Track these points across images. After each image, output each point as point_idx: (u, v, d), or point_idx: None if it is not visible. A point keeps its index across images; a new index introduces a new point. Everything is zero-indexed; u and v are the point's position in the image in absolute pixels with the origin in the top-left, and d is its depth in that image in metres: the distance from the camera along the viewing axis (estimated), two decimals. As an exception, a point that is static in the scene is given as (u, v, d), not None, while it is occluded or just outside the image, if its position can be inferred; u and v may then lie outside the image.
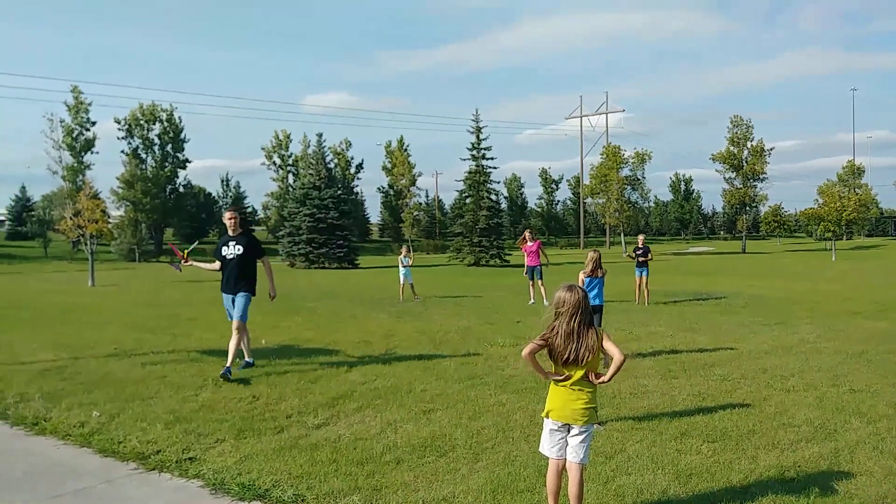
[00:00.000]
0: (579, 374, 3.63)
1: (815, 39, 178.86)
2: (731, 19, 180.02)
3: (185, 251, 8.13)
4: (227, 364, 7.38)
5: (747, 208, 65.29)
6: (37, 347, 9.63)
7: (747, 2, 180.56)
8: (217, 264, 7.81)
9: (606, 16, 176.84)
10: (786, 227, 69.89)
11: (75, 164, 58.70)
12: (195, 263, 8.07)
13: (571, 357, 3.59)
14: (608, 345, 3.65)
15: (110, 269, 41.56)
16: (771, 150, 61.02)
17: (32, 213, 70.36)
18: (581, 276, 7.98)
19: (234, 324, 7.61)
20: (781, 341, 9.76)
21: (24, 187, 79.40)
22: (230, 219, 7.89)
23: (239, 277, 7.71)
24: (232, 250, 7.73)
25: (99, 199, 26.29)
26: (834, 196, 51.39)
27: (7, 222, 79.57)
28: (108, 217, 24.90)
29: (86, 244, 26.42)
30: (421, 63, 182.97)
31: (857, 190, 68.03)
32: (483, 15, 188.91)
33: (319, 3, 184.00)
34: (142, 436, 5.33)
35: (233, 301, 7.74)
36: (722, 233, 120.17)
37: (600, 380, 3.68)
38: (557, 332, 3.62)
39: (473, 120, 43.28)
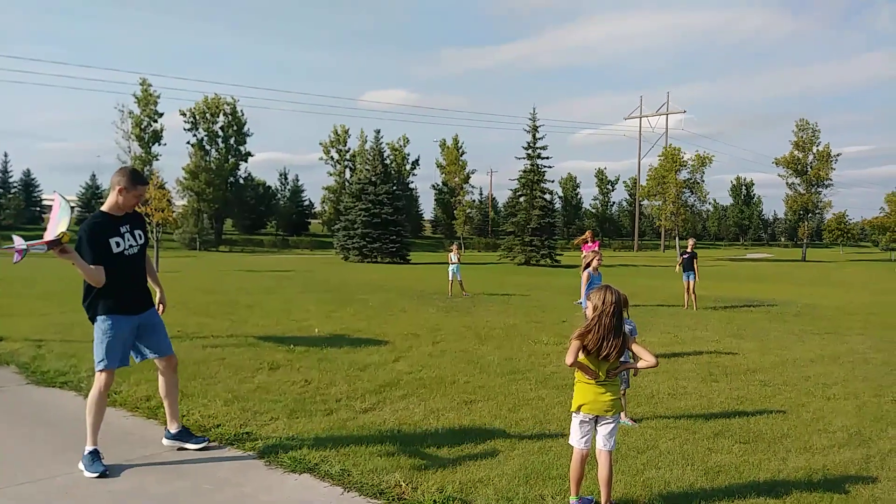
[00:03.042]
0: (605, 369, 3.87)
1: (892, 41, 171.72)
2: (806, 20, 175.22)
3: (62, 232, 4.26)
4: (174, 428, 5.04)
5: (810, 215, 63.42)
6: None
7: (823, 2, 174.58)
8: (98, 269, 4.42)
9: (675, 14, 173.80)
10: (850, 235, 67.62)
11: (143, 154, 60.98)
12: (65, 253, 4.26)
13: (604, 353, 3.82)
14: (641, 349, 3.89)
15: (173, 256, 43.17)
16: (838, 155, 59.26)
17: (101, 200, 73.38)
18: (587, 272, 8.16)
19: (171, 361, 4.97)
20: (829, 350, 9.68)
21: (94, 175, 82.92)
22: (135, 196, 4.67)
23: (145, 282, 4.90)
24: (130, 241, 4.68)
25: (165, 189, 27.35)
26: (903, 205, 49.49)
27: (77, 209, 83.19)
28: (174, 206, 25.89)
29: (152, 232, 27.66)
30: (483, 61, 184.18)
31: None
32: (548, 13, 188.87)
33: (386, 2, 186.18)
34: (203, 411, 5.75)
35: (146, 325, 4.83)
36: (783, 239, 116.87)
37: (626, 367, 3.94)
38: (596, 329, 3.84)
39: (530, 119, 43.30)
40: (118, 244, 4.58)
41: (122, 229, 4.64)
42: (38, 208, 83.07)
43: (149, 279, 5.01)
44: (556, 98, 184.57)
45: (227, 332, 10.02)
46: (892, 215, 48.64)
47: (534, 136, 43.27)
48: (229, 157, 71.65)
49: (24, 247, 4.39)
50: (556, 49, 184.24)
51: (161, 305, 5.17)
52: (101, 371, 4.62)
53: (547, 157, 43.66)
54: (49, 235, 4.30)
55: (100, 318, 4.61)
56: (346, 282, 22.27)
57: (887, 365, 8.64)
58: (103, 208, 4.69)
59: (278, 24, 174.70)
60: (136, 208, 4.90)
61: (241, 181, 77.09)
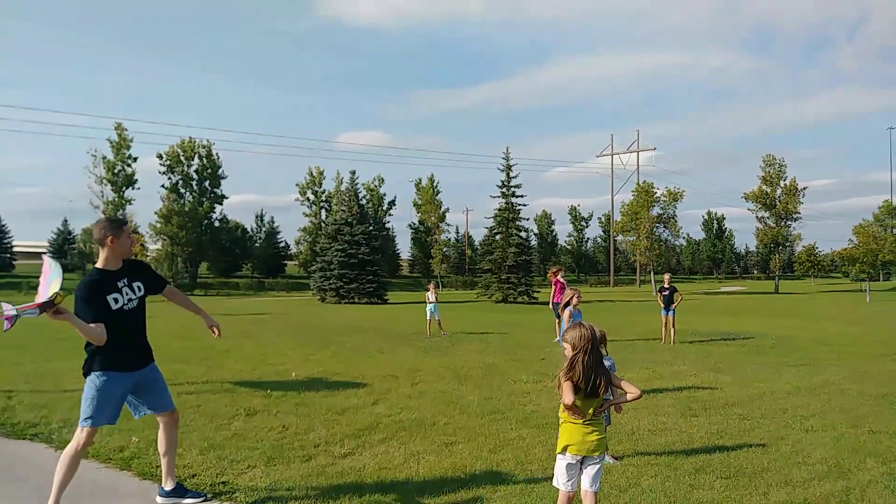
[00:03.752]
0: (593, 407, 3.86)
1: (852, 78, 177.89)
2: (768, 58, 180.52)
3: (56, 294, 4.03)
4: (169, 486, 4.86)
5: (781, 248, 64.56)
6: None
7: (784, 41, 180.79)
8: (100, 327, 4.30)
9: (641, 56, 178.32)
10: (820, 267, 68.87)
11: (116, 199, 60.47)
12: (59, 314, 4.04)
13: (591, 388, 3.81)
14: (626, 384, 3.89)
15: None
16: (804, 189, 60.70)
17: (73, 245, 72.46)
18: (568, 310, 8.20)
19: (172, 416, 4.93)
20: (805, 382, 9.77)
21: (66, 220, 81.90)
22: (126, 236, 4.56)
23: (144, 336, 4.81)
24: (129, 295, 4.57)
25: (138, 233, 27.04)
26: (869, 236, 50.59)
27: (48, 254, 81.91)
28: (147, 251, 25.57)
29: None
30: (455, 102, 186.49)
31: (894, 230, 66.83)
32: (518, 54, 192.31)
33: (358, 45, 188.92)
34: (178, 460, 5.61)
35: (144, 381, 4.73)
36: (755, 272, 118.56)
37: (614, 402, 3.93)
38: (579, 367, 3.84)
39: (504, 157, 43.80)
40: (116, 300, 4.44)
41: (120, 284, 4.50)
42: (8, 255, 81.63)
43: (188, 310, 5.05)
44: (528, 137, 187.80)
45: (202, 378, 9.85)
46: (861, 246, 49.59)
47: (508, 174, 43.76)
48: (204, 200, 71.34)
49: (14, 312, 4.05)
50: (527, 90, 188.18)
51: (215, 329, 5.11)
52: (84, 427, 4.44)
53: (521, 196, 44.17)
54: (41, 297, 4.12)
55: (94, 374, 4.47)
56: (323, 324, 22.09)
57: (863, 395, 8.73)
58: (98, 265, 4.53)
59: (252, 68, 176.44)
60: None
61: (217, 224, 76.67)
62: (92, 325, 4.27)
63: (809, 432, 6.72)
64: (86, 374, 4.55)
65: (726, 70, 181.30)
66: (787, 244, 64.73)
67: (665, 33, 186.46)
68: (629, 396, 3.88)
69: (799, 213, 61.03)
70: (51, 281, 4.20)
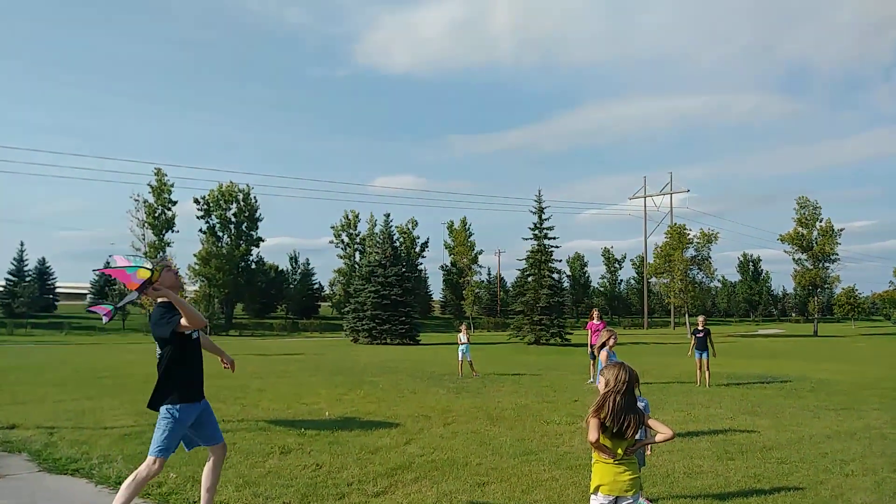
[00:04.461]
0: (623, 447, 3.87)
1: (890, 118, 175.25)
2: (802, 99, 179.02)
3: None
4: None
5: (819, 290, 63.24)
6: (119, 413, 10.28)
7: (819, 82, 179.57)
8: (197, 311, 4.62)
9: (673, 99, 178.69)
10: (861, 309, 67.16)
11: (157, 242, 61.89)
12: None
13: (618, 428, 3.83)
14: (657, 423, 3.90)
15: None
16: (841, 230, 59.65)
17: (114, 287, 74.03)
18: (605, 352, 8.16)
19: (223, 449, 5.11)
20: (846, 426, 9.55)
21: (108, 263, 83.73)
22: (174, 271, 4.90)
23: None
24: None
25: (178, 275, 27.64)
26: (912, 278, 49.35)
27: (90, 295, 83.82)
28: (185, 293, 26.11)
29: (162, 317, 27.84)
30: (488, 146, 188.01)
31: (938, 271, 65.09)
32: (549, 99, 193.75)
33: (393, 92, 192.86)
34: (214, 497, 5.72)
35: (205, 413, 4.96)
36: (793, 315, 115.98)
37: (645, 443, 3.92)
38: (609, 405, 3.87)
39: (536, 200, 43.93)
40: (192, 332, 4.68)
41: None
42: (51, 296, 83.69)
43: (210, 351, 5.27)
44: (560, 179, 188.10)
45: (237, 417, 9.99)
46: (903, 289, 48.44)
47: (540, 216, 43.82)
48: (241, 242, 72.71)
49: (111, 307, 4.50)
50: (559, 133, 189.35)
51: (231, 365, 5.50)
52: (158, 458, 4.62)
53: (554, 238, 44.07)
54: (134, 280, 4.33)
55: (170, 406, 4.64)
56: (355, 364, 22.19)
57: (905, 440, 8.51)
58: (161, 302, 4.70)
59: (290, 115, 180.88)
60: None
61: (253, 266, 77.87)
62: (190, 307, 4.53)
63: (850, 477, 6.58)
64: (156, 406, 4.70)
65: (760, 111, 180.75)
66: (826, 286, 63.40)
67: (697, 76, 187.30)
68: (660, 437, 3.87)
69: (837, 255, 59.93)
70: (137, 265, 4.40)
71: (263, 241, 75.61)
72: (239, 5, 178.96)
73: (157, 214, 62.64)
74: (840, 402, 12.27)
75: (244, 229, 73.07)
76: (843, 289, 64.85)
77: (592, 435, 3.77)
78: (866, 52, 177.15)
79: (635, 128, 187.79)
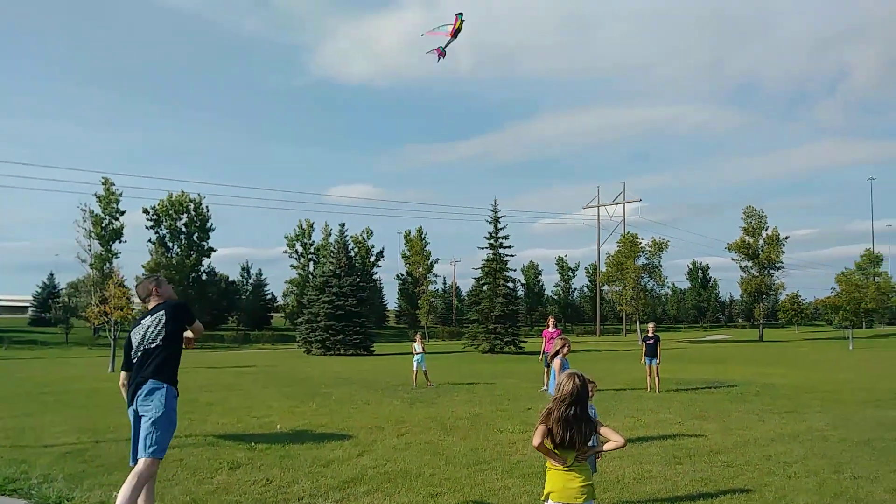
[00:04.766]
0: (572, 455, 3.90)
1: (833, 131, 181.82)
2: (751, 114, 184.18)
3: None
4: None
5: (764, 296, 65.07)
6: (59, 431, 9.94)
7: (767, 96, 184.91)
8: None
9: (627, 110, 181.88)
10: (804, 315, 69.31)
11: (103, 253, 60.22)
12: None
13: (566, 441, 3.87)
14: (609, 431, 3.92)
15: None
16: (786, 238, 61.51)
17: (58, 299, 71.72)
18: (559, 360, 8.20)
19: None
20: (789, 429, 9.83)
21: (51, 274, 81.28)
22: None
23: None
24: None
25: (125, 287, 26.94)
26: (852, 285, 51.17)
27: (31, 308, 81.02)
28: (132, 304, 25.51)
29: (109, 331, 27.04)
30: (445, 156, 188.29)
31: (875, 278, 67.64)
32: (507, 109, 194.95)
33: (350, 102, 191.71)
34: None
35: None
36: (740, 320, 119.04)
37: (595, 451, 3.94)
38: (555, 414, 3.90)
39: (492, 210, 44.23)
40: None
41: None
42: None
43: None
44: (516, 189, 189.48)
45: (185, 432, 9.75)
46: (843, 295, 50.08)
47: (495, 226, 44.13)
48: (192, 252, 71.24)
49: (442, 46, 5.32)
50: (516, 143, 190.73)
51: None
52: (158, 459, 4.83)
53: (509, 247, 44.42)
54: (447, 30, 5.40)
55: (173, 409, 4.95)
56: (308, 376, 21.92)
57: (845, 442, 8.79)
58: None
59: (244, 123, 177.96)
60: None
61: (204, 276, 76.34)
62: None
63: (792, 479, 6.76)
64: (154, 394, 4.91)
65: (711, 123, 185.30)
66: (771, 293, 65.26)
67: (650, 89, 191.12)
68: (610, 445, 3.90)
69: (781, 263, 61.78)
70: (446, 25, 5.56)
71: (215, 251, 74.30)
72: (194, 13, 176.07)
73: (104, 225, 60.92)
74: (784, 406, 12.62)
75: (195, 239, 71.59)
76: (787, 295, 66.77)
77: (535, 440, 3.83)
78: (811, 68, 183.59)
79: (590, 138, 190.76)
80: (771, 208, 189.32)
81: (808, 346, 47.14)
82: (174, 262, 68.82)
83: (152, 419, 4.85)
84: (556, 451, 3.87)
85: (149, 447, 4.75)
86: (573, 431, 3.82)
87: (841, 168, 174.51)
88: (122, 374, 5.24)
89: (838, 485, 6.47)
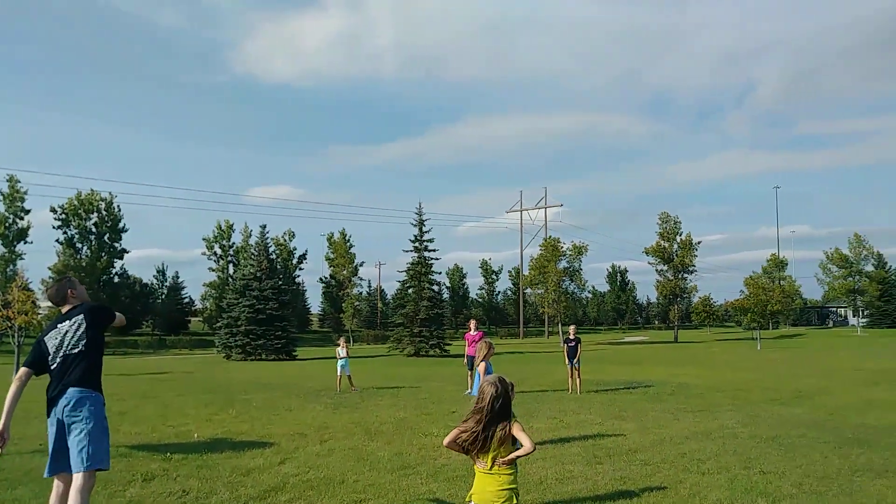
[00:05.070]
0: (489, 459, 3.91)
1: (740, 142, 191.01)
2: (665, 123, 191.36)
3: None
4: None
5: (679, 299, 67.63)
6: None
7: (679, 108, 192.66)
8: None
9: (549, 117, 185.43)
10: (715, 316, 72.48)
11: (7, 254, 56.93)
12: None
13: (480, 446, 3.89)
14: (520, 434, 3.94)
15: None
16: (698, 243, 64.16)
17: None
18: (483, 363, 8.29)
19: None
20: (702, 427, 10.23)
21: (-54, 277, 76.05)
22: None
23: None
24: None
25: (30, 290, 25.54)
26: (759, 288, 53.82)
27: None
28: (39, 308, 24.21)
29: (13, 336, 25.56)
30: (369, 158, 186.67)
31: (781, 282, 71.44)
32: (431, 113, 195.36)
33: (272, 101, 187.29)
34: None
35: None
36: (656, 322, 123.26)
37: (502, 460, 3.94)
38: (472, 422, 3.92)
39: (417, 213, 44.29)
40: None
41: None
42: None
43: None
44: (441, 192, 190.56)
45: (95, 443, 9.29)
46: (751, 297, 52.67)
47: (420, 229, 44.22)
48: (102, 254, 68.17)
49: None
50: (440, 147, 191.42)
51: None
52: (106, 470, 4.78)
53: (434, 250, 44.60)
54: None
55: (102, 405, 4.80)
56: (228, 382, 21.33)
57: (754, 438, 9.21)
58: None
59: (161, 121, 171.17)
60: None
61: (116, 279, 73.19)
62: None
63: (706, 475, 7.02)
64: (90, 400, 4.72)
65: (627, 132, 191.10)
66: (685, 295, 67.95)
67: (571, 97, 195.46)
68: (520, 452, 3.89)
69: (694, 266, 64.39)
70: None
71: (128, 252, 71.41)
72: (108, 4, 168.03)
73: (7, 224, 57.57)
74: (697, 405, 13.13)
75: (106, 240, 68.55)
76: (699, 298, 69.63)
77: (446, 440, 3.93)
78: (720, 81, 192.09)
79: (513, 143, 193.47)
80: (685, 214, 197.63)
81: (719, 347, 49.27)
82: (84, 264, 65.69)
83: (85, 431, 4.60)
84: (475, 455, 3.90)
85: (87, 460, 4.51)
86: (487, 436, 3.84)
87: (748, 177, 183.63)
88: (23, 369, 4.86)
89: (748, 480, 6.76)
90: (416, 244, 44.25)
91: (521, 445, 3.90)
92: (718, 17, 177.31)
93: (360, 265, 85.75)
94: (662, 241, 64.24)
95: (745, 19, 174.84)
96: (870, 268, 79.48)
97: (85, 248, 67.31)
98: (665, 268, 64.59)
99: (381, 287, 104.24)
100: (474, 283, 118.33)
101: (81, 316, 4.90)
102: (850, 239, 78.09)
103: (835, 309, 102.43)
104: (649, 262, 65.38)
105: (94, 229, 67.79)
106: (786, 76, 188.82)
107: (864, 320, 78.84)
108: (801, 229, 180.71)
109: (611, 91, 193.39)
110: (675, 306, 68.14)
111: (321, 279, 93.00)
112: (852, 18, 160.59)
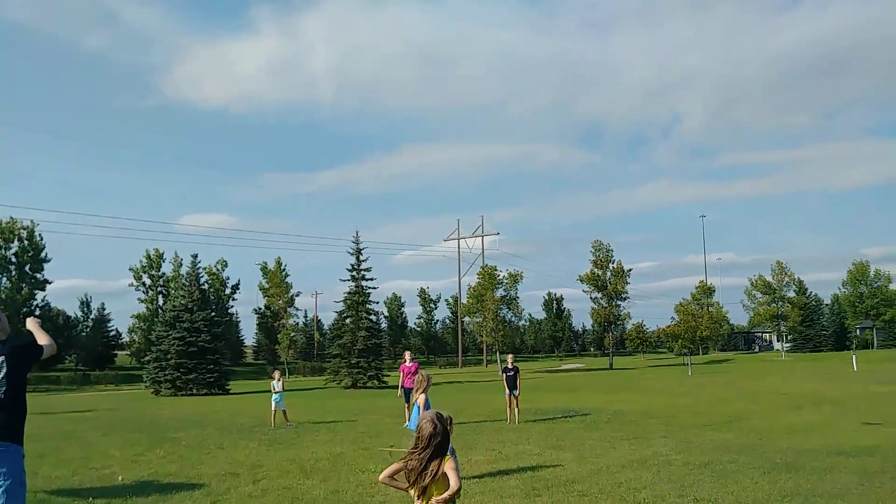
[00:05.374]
0: (425, 497, 3.86)
1: (667, 172, 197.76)
2: (597, 153, 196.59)
3: None
4: None
5: (613, 326, 68.99)
6: None
7: (610, 138, 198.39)
8: None
9: (484, 146, 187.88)
10: (648, 343, 74.22)
11: (-86, 285, 53.71)
12: None
13: (416, 482, 3.84)
14: (449, 471, 3.87)
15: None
16: (629, 270, 65.69)
17: None
18: (423, 396, 8.25)
19: None
20: (638, 455, 10.36)
21: None
22: None
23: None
24: None
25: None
26: (689, 314, 55.41)
27: None
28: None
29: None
30: (305, 186, 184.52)
31: (709, 308, 73.75)
32: (368, 141, 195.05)
33: (204, 127, 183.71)
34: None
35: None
36: (592, 349, 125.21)
37: (435, 500, 3.86)
38: (409, 458, 3.87)
39: (354, 241, 43.94)
40: None
41: None
42: None
43: None
44: (378, 221, 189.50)
45: (9, 490, 8.74)
46: (681, 324, 54.21)
47: (357, 257, 43.85)
48: (23, 285, 65.07)
49: None
50: (377, 175, 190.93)
51: None
52: None
53: (371, 279, 44.22)
54: None
55: (22, 458, 4.32)
56: (156, 419, 20.50)
57: (687, 465, 9.38)
58: None
59: (86, 146, 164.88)
60: None
61: (38, 312, 69.88)
62: None
63: (642, 505, 7.09)
64: (15, 445, 4.31)
65: (561, 162, 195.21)
66: (619, 322, 69.39)
67: (506, 126, 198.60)
68: (447, 493, 3.81)
69: (627, 294, 65.82)
70: None
71: (50, 283, 68.44)
72: (30, 25, 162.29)
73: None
74: (632, 432, 13.32)
75: (27, 271, 65.54)
76: (633, 324, 71.21)
77: (381, 475, 3.94)
78: (648, 113, 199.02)
79: (449, 172, 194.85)
80: (617, 242, 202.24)
81: (651, 373, 50.34)
82: (3, 295, 62.58)
83: (3, 488, 4.20)
84: (414, 493, 3.85)
85: None
86: (423, 474, 3.80)
87: (676, 205, 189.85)
88: None
89: (682, 508, 6.85)
90: (354, 273, 43.82)
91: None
92: (642, 50, 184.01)
93: (297, 295, 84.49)
94: (596, 269, 65.56)
95: (667, 53, 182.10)
96: (792, 294, 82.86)
97: (4, 278, 64.19)
98: (599, 295, 65.83)
99: (317, 317, 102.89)
100: (413, 312, 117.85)
101: (2, 358, 4.39)
102: (772, 266, 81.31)
103: (760, 334, 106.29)
104: (584, 290, 66.54)
105: (14, 259, 64.79)
106: (707, 110, 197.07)
107: (788, 345, 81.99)
108: (727, 256, 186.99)
109: (545, 121, 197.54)
110: (610, 333, 69.44)
111: (255, 310, 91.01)
112: (770, 53, 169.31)
